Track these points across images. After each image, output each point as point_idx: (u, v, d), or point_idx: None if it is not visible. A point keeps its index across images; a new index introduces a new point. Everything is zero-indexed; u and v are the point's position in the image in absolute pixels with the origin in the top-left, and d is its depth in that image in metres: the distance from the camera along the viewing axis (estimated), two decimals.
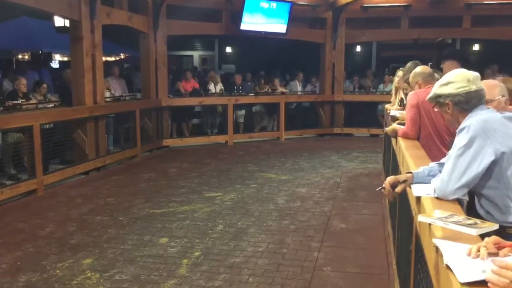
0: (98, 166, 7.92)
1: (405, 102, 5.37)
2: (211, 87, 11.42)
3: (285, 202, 6.17)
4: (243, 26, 10.72)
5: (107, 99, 8.74)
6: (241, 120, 11.62)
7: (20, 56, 13.70)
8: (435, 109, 2.45)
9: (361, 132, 12.16)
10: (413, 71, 4.22)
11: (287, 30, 11.22)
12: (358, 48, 16.37)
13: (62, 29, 8.00)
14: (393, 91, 6.93)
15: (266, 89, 11.89)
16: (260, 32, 11.05)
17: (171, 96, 10.59)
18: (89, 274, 3.98)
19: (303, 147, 10.44)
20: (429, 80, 4.02)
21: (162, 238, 4.84)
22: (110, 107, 8.66)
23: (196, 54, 18.73)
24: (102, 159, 8.06)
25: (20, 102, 7.01)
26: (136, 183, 7.21)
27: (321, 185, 7.08)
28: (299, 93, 12.38)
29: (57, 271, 4.04)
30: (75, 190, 6.81)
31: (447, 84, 2.30)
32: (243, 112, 11.55)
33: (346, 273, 4.02)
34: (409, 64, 5.36)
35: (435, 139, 3.77)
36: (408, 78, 4.49)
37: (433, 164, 2.45)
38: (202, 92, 11.24)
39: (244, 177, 7.53)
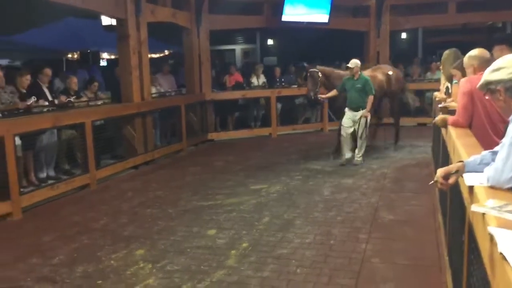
0: (146, 160, 8.15)
1: (450, 91, 5.19)
2: (254, 80, 11.46)
3: (331, 193, 6.14)
4: (285, 18, 10.68)
5: (154, 95, 8.95)
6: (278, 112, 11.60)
7: (69, 56, 14.23)
8: (486, 97, 2.37)
9: (408, 122, 11.85)
10: (468, 54, 3.94)
11: (329, 19, 11.08)
12: (403, 35, 15.96)
13: (109, 27, 8.24)
14: (441, 79, 6.72)
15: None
16: (302, 22, 10.99)
17: (215, 90, 10.72)
18: (142, 265, 4.12)
19: None
20: (485, 66, 3.80)
21: (210, 229, 4.94)
22: (157, 103, 8.88)
23: (238, 48, 18.84)
24: (150, 153, 8.29)
25: (72, 99, 7.29)
26: (183, 176, 7.37)
27: (368, 176, 6.99)
28: None
29: (112, 261, 4.21)
30: (126, 184, 7.05)
31: (498, 69, 2.22)
32: (279, 105, 11.50)
33: (395, 265, 3.97)
34: (448, 52, 5.17)
35: (488, 127, 3.62)
36: (457, 65, 4.32)
37: (485, 153, 2.38)
38: (245, 85, 11.30)
39: (289, 169, 7.55)
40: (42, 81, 7.19)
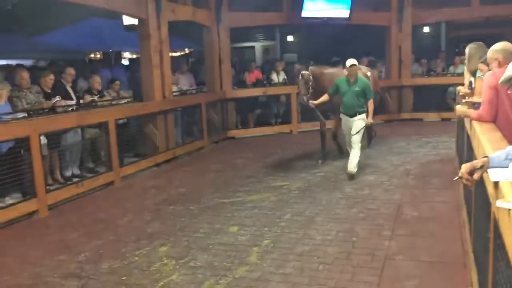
0: (168, 158, 8.23)
1: (473, 86, 5.08)
2: (274, 77, 11.45)
3: (353, 190, 6.10)
4: (305, 14, 10.64)
5: (175, 93, 9.02)
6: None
7: (92, 56, 14.44)
8: (509, 92, 2.32)
9: (431, 117, 11.71)
10: (492, 48, 3.85)
11: (350, 14, 10.99)
12: (426, 29, 15.70)
13: (131, 27, 8.33)
14: (465, 73, 6.59)
15: None
16: (322, 18, 10.92)
17: (235, 87, 10.74)
18: (165, 261, 4.17)
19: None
20: (510, 59, 3.69)
21: (232, 226, 4.96)
22: (178, 101, 8.95)
23: (258, 45, 18.81)
24: (172, 151, 8.37)
25: (95, 99, 7.41)
26: (205, 173, 7.42)
27: (390, 172, 6.92)
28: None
29: (136, 258, 4.28)
30: (149, 181, 7.14)
31: None
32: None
33: (419, 262, 3.93)
34: (475, 46, 5.03)
35: None
36: (485, 59, 4.21)
37: (510, 148, 2.34)
38: (265, 82, 11.29)
39: (309, 166, 7.53)
40: (66, 81, 7.32)
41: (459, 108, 4.56)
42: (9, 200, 5.71)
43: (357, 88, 6.62)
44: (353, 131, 6.62)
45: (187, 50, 15.41)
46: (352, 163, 6.56)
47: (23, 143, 5.56)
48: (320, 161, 7.63)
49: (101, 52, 14.31)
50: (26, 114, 6.17)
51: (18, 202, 5.55)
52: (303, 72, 7.11)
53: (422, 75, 12.18)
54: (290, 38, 17.84)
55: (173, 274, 3.92)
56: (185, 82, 10.23)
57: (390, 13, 11.60)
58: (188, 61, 14.26)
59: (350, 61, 6.65)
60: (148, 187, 6.74)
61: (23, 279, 3.96)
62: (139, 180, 7.24)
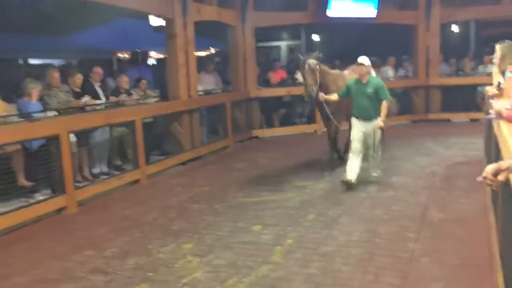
0: (193, 156, 8.32)
1: (502, 86, 4.97)
2: (299, 76, 11.40)
3: (377, 191, 6.05)
4: (330, 13, 10.58)
5: (200, 93, 9.11)
6: None
7: (120, 55, 14.70)
8: None
9: (459, 117, 11.50)
10: None
11: (376, 14, 10.88)
12: (455, 28, 15.41)
13: (158, 27, 8.47)
14: (494, 72, 6.45)
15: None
16: (349, 17, 10.83)
17: (260, 87, 10.77)
18: (190, 258, 4.23)
19: (395, 135, 10.06)
20: None
21: (255, 225, 4.99)
22: (203, 100, 9.03)
23: (283, 44, 18.82)
24: (197, 150, 8.45)
25: (124, 98, 7.55)
26: (229, 172, 7.47)
27: (416, 174, 6.83)
28: (390, 78, 11.97)
29: (161, 255, 4.34)
30: (174, 179, 7.23)
31: None
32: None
33: (444, 265, 3.87)
34: (505, 45, 4.92)
35: None
36: None
37: None
38: (289, 81, 11.28)
39: (334, 166, 7.48)
40: (94, 80, 7.48)
41: (496, 105, 4.44)
42: (39, 196, 5.88)
43: (369, 90, 6.05)
44: (370, 140, 6.16)
45: (213, 50, 15.53)
46: (374, 167, 6.30)
47: (53, 141, 5.71)
48: (327, 174, 6.92)
49: (129, 51, 14.55)
50: (56, 113, 6.35)
51: (48, 198, 5.71)
52: (309, 60, 6.53)
53: (450, 75, 11.97)
54: (315, 37, 17.79)
55: (197, 271, 3.96)
56: (211, 81, 10.30)
57: (418, 11, 11.43)
58: (213, 61, 14.39)
59: (360, 59, 6.11)
60: (173, 185, 6.83)
61: (51, 273, 4.07)
62: (164, 178, 7.34)
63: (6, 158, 5.76)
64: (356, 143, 6.17)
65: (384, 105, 6.08)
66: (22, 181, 5.89)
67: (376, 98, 6.08)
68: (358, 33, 13.14)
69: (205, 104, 9.10)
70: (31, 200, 5.64)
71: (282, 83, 11.13)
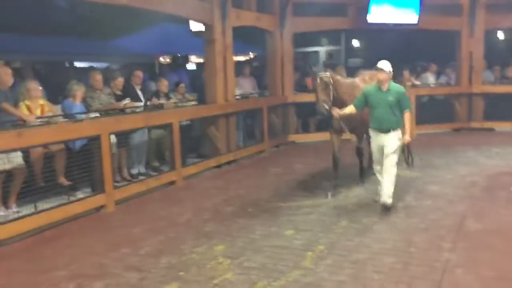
0: (229, 160, 8.40)
1: None
2: None
3: (414, 199, 5.94)
4: (371, 19, 10.47)
5: (237, 97, 9.20)
6: None
7: (161, 60, 15.04)
8: None
9: (504, 126, 11.10)
10: None
11: (418, 19, 10.68)
12: (500, 35, 14.93)
13: (197, 32, 8.63)
14: None
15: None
16: (389, 24, 10.69)
17: (297, 92, 10.76)
18: (221, 260, 4.28)
19: (435, 143, 9.88)
20: None
21: (287, 230, 4.99)
22: (240, 104, 9.11)
23: (322, 50, 18.75)
24: (233, 153, 8.53)
25: (163, 101, 7.72)
26: (264, 176, 7.50)
27: (455, 183, 6.66)
28: (431, 85, 11.72)
29: (193, 255, 4.42)
30: (209, 182, 7.33)
31: None
32: None
33: (480, 276, 3.77)
34: None
35: None
36: None
37: None
38: None
39: (370, 173, 7.37)
40: (135, 83, 7.70)
41: None
42: (80, 195, 6.10)
43: (390, 98, 5.40)
44: (388, 150, 5.43)
45: (251, 55, 15.66)
46: (387, 192, 5.44)
47: (94, 141, 5.92)
48: (330, 194, 6.19)
49: (170, 56, 14.87)
50: (98, 114, 6.58)
51: (88, 197, 5.92)
52: (322, 74, 5.79)
53: (494, 82, 11.59)
54: (355, 43, 17.64)
55: (228, 273, 4.01)
56: (248, 85, 10.39)
57: (461, 17, 11.14)
58: (252, 65, 14.50)
59: (380, 64, 5.43)
60: (208, 188, 6.93)
61: (88, 269, 4.21)
62: (199, 180, 7.45)
63: (49, 157, 6.00)
64: (376, 156, 5.67)
65: (408, 116, 5.45)
66: (62, 180, 6.11)
67: (398, 107, 5.43)
68: (399, 39, 12.95)
69: (241, 108, 9.18)
70: (72, 198, 5.85)
71: None
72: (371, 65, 12.47)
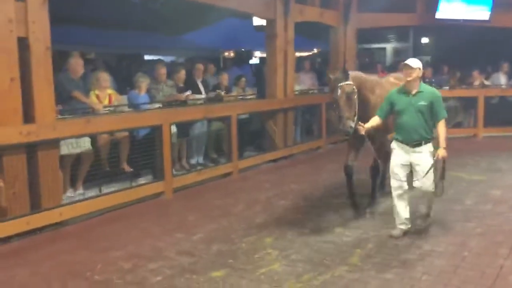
0: (285, 155, 8.47)
1: None
2: None
3: (474, 203, 5.71)
4: (439, 15, 10.12)
5: (296, 92, 9.23)
6: None
7: (226, 54, 15.36)
8: None
9: None
10: None
11: (490, 16, 10.17)
12: None
13: (259, 28, 8.74)
14: None
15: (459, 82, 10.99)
16: (459, 20, 10.27)
17: None
18: (269, 251, 4.37)
19: (504, 146, 9.37)
20: None
21: (338, 227, 4.99)
22: (298, 100, 9.13)
23: (389, 46, 18.25)
24: (289, 148, 8.59)
25: (221, 93, 7.92)
26: (319, 173, 7.50)
27: None
28: (503, 86, 11.11)
29: (243, 244, 4.55)
30: (264, 175, 7.43)
31: None
32: None
33: None
34: None
35: None
36: None
37: None
38: None
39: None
40: (197, 76, 7.95)
41: None
42: (141, 181, 6.42)
43: (421, 102, 4.45)
44: (420, 171, 4.48)
45: (315, 50, 15.61)
46: (425, 212, 4.84)
47: (156, 131, 6.20)
48: (367, 210, 5.42)
49: (234, 51, 15.15)
50: (161, 105, 6.88)
51: (148, 183, 6.22)
52: (344, 85, 4.62)
53: None
54: (425, 40, 17.02)
55: (275, 263, 4.10)
56: (308, 81, 10.38)
57: None
58: (316, 61, 14.44)
59: (409, 61, 4.50)
60: (263, 181, 7.04)
61: (144, 251, 4.46)
62: (255, 173, 7.57)
63: (114, 143, 6.36)
64: (398, 177, 4.61)
65: (442, 126, 4.49)
66: (125, 166, 6.46)
67: (430, 114, 4.48)
68: (469, 36, 12.37)
69: (300, 104, 9.19)
70: (134, 184, 6.18)
71: None
72: (440, 62, 12.08)
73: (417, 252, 4.27)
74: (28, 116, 4.81)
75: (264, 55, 14.08)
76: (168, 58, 13.66)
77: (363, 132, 4.64)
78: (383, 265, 4.03)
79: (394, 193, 4.67)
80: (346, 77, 4.69)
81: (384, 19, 10.64)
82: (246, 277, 3.86)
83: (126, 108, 6.56)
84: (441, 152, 4.46)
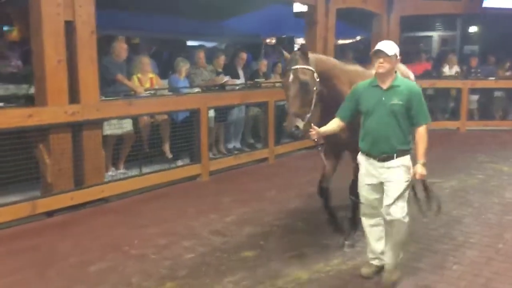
0: (322, 142, 8.42)
1: None
2: (446, 69, 10.76)
3: None
4: (486, 3, 9.75)
5: None
6: (474, 106, 10.65)
7: (268, 41, 15.35)
8: None
9: None
10: None
11: None
12: None
13: (300, 14, 8.71)
14: None
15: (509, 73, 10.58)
16: (508, 8, 9.85)
17: None
18: (299, 235, 4.46)
19: None
20: None
21: None
22: None
23: (435, 35, 17.70)
24: None
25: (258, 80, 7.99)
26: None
27: None
28: None
29: (274, 228, 4.65)
30: (300, 162, 7.47)
31: None
32: (475, 97, 10.55)
33: None
34: None
35: None
36: None
37: None
38: (434, 74, 10.70)
39: (470, 167, 7.02)
40: (237, 63, 8.03)
41: None
42: (179, 163, 6.60)
43: (395, 101, 3.28)
44: (391, 190, 3.33)
45: (358, 38, 15.35)
46: (391, 261, 3.46)
47: (194, 115, 6.35)
48: (346, 243, 4.16)
49: (275, 37, 15.12)
50: (199, 89, 7.02)
51: (185, 165, 6.39)
52: (298, 67, 3.52)
53: None
54: (472, 28, 16.41)
55: (305, 247, 4.16)
56: None
57: None
58: (357, 49, 14.22)
59: (382, 45, 3.32)
60: (297, 167, 7.09)
61: (178, 229, 4.62)
62: (291, 159, 7.63)
63: (155, 126, 6.56)
64: (368, 201, 3.52)
65: (422, 134, 3.28)
66: (165, 148, 6.65)
67: (407, 117, 3.30)
68: None
69: None
70: (172, 165, 6.37)
71: (424, 75, 10.60)
72: (488, 52, 11.63)
73: (450, 243, 4.24)
74: (74, 97, 5.04)
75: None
76: (210, 44, 13.82)
77: (315, 138, 3.57)
78: (415, 254, 4.02)
79: (365, 222, 3.62)
80: (304, 60, 3.56)
81: (429, 6, 10.35)
82: (275, 259, 3.95)
83: (166, 92, 6.73)
84: (419, 170, 3.26)
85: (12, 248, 4.14)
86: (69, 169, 5.04)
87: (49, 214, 4.89)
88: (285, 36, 14.83)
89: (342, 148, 4.21)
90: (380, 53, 3.28)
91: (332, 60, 4.00)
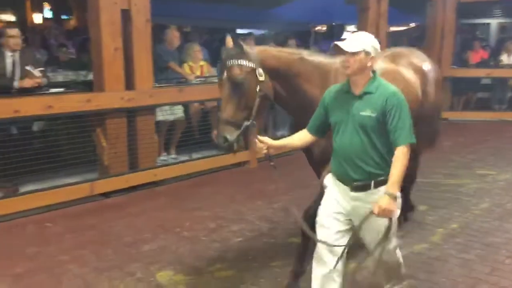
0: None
1: None
2: (504, 58, 10.28)
3: None
4: None
5: None
6: None
7: (318, 28, 15.20)
8: None
9: None
10: None
11: None
12: None
13: (351, 0, 8.57)
14: None
15: None
16: None
17: (455, 66, 10.05)
18: None
19: None
20: None
21: (422, 205, 4.89)
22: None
23: (493, 22, 16.92)
24: None
25: None
26: None
27: None
28: None
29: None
30: None
31: None
32: None
33: None
34: None
35: None
36: None
37: None
38: (492, 63, 10.26)
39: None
40: None
41: None
42: None
43: (366, 112, 2.43)
44: (370, 237, 2.57)
45: (413, 25, 14.91)
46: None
47: None
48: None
49: (325, 25, 14.95)
50: None
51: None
52: (234, 63, 2.77)
53: None
54: None
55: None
56: None
57: None
58: (411, 37, 13.82)
59: (344, 38, 2.65)
60: None
61: (228, 214, 4.74)
62: None
63: (205, 112, 6.70)
64: (325, 231, 2.61)
65: (399, 156, 2.36)
66: (215, 134, 6.76)
67: (382, 133, 2.43)
68: None
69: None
70: (221, 151, 6.48)
71: (481, 64, 10.19)
72: None
73: (504, 236, 4.13)
74: (129, 83, 5.24)
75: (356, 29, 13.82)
76: (259, 32, 13.85)
77: (264, 152, 2.83)
78: (465, 246, 3.95)
79: (316, 269, 2.65)
80: (241, 54, 2.76)
81: None
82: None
83: (216, 79, 6.83)
84: (382, 202, 2.33)
85: (71, 226, 4.40)
86: (124, 152, 5.26)
87: (106, 195, 5.13)
88: (335, 23, 14.62)
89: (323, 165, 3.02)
90: (339, 50, 2.44)
91: (295, 54, 3.02)
